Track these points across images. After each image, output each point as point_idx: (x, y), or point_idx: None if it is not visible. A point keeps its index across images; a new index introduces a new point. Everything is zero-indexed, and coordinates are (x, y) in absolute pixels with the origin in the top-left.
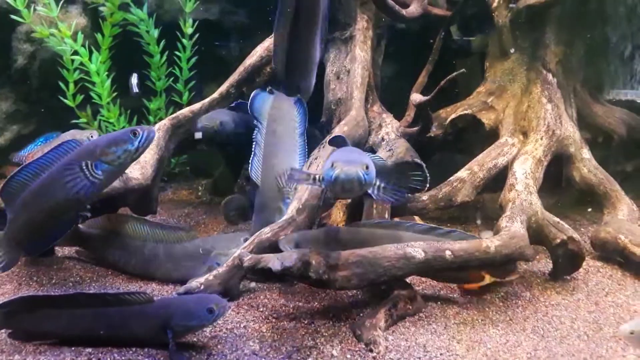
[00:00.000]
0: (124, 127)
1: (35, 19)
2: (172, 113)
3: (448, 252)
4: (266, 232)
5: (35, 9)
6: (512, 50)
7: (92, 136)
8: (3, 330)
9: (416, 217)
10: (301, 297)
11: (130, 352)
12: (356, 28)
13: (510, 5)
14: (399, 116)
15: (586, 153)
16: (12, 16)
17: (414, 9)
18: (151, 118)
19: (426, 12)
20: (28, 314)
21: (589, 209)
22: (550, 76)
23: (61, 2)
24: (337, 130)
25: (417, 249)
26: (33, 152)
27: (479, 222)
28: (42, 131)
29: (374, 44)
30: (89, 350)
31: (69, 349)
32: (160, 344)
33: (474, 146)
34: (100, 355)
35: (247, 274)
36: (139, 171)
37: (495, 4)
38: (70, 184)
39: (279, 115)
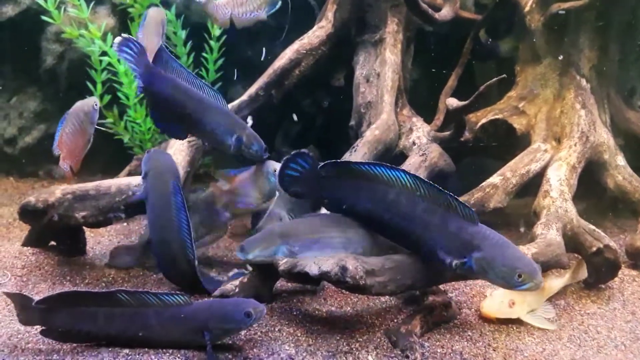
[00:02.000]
0: (149, 128)
1: (65, 20)
2: None
3: None
4: None
5: (65, 10)
6: (560, 57)
7: (95, 104)
8: (38, 329)
9: None
10: (334, 301)
11: (167, 354)
12: (386, 31)
13: (560, 11)
14: (425, 119)
15: (621, 160)
16: (43, 17)
17: (446, 13)
18: None
19: (457, 15)
20: (66, 310)
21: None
22: (584, 81)
23: (92, 4)
24: (369, 134)
25: None
26: (59, 140)
27: (522, 229)
28: None
29: (404, 47)
30: (127, 351)
31: (107, 349)
32: (197, 347)
33: (504, 151)
34: (137, 356)
35: (283, 278)
36: None
37: (528, 8)
38: None
39: None
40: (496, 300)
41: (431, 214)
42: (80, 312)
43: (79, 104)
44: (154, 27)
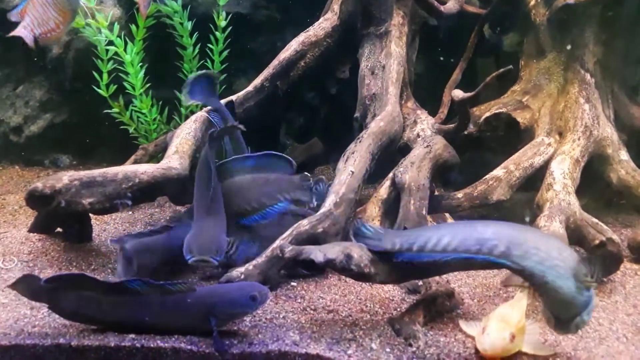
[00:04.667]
0: (155, 118)
1: None
2: (202, 106)
3: None
4: (304, 225)
5: None
6: (568, 46)
7: None
8: (46, 313)
9: (447, 215)
10: (337, 289)
11: (173, 339)
12: (392, 24)
13: (569, 2)
14: (429, 113)
15: (624, 155)
16: None
17: (451, 6)
18: (183, 110)
19: (462, 9)
20: (72, 292)
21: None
22: (588, 76)
23: None
24: (374, 125)
25: None
26: (22, 9)
27: (527, 219)
28: (74, 120)
29: (409, 39)
30: (132, 336)
31: (113, 333)
32: (202, 332)
33: (506, 145)
34: (143, 341)
35: (288, 265)
36: (177, 161)
37: (532, 2)
38: None
39: None
40: (497, 337)
41: None
42: (86, 296)
43: None
44: None
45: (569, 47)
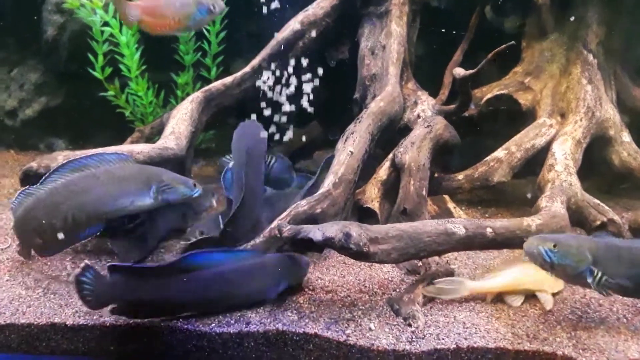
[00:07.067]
0: (151, 101)
1: None
2: (199, 88)
3: (489, 230)
4: (302, 205)
5: None
6: (572, 18)
7: None
8: (41, 293)
9: (446, 197)
10: (335, 270)
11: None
12: (392, 3)
13: None
14: (430, 94)
15: (626, 136)
16: None
17: None
18: (179, 92)
19: None
20: (144, 283)
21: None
22: (591, 57)
23: None
24: (373, 106)
25: (459, 225)
26: None
27: (529, 195)
28: (69, 103)
29: (410, 19)
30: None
31: (108, 313)
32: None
33: (508, 127)
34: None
35: (286, 245)
36: (174, 142)
37: None
38: None
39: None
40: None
41: None
42: (157, 283)
43: None
44: None
45: (572, 18)
